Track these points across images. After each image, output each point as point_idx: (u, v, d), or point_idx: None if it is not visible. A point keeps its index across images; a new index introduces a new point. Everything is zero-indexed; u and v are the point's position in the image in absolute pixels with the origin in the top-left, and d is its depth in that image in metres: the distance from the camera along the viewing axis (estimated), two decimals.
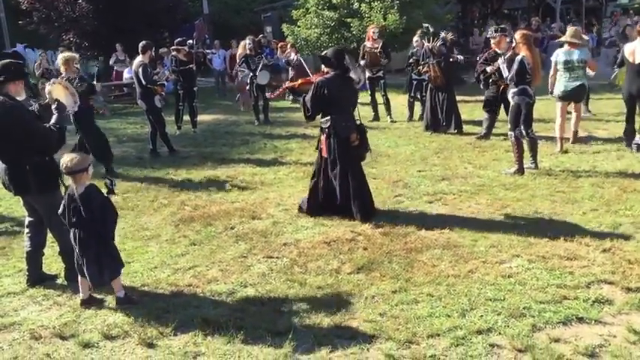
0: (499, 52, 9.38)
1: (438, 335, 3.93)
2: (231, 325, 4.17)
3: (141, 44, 9.94)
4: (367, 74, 12.00)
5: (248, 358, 3.78)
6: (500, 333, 3.92)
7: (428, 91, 11.02)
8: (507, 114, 9.97)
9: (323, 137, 6.36)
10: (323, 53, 7.08)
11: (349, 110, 6.38)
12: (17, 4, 21.35)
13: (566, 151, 8.84)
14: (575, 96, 9.26)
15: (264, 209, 6.86)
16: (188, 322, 4.29)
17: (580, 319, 4.04)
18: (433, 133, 10.67)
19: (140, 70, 9.70)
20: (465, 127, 10.87)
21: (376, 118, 12.44)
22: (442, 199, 6.92)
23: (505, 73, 7.85)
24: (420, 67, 11.10)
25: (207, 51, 17.59)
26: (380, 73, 12.29)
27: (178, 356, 3.86)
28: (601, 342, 3.75)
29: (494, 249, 5.33)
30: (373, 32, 12.25)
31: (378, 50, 11.96)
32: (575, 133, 9.49)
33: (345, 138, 6.24)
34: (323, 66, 6.53)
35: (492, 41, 9.89)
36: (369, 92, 12.54)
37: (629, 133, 8.82)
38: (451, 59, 10.95)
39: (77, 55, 9.27)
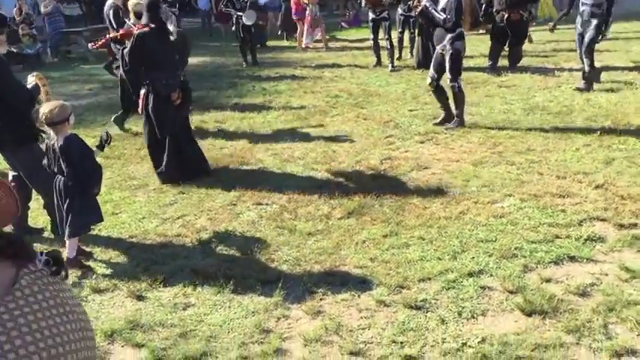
0: None
1: (429, 279, 3.90)
2: (221, 274, 4.13)
3: None
4: (370, 15, 11.15)
5: (238, 308, 3.75)
6: (491, 275, 3.90)
7: (418, 27, 10.70)
8: (511, 45, 9.83)
9: (142, 92, 5.93)
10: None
11: (170, 67, 5.94)
12: None
13: (560, 86, 8.68)
14: None
15: (252, 154, 6.74)
16: (177, 272, 4.25)
17: (572, 258, 4.01)
18: (425, 71, 10.42)
19: (111, 12, 9.25)
20: None
21: (378, 63, 11.39)
22: (434, 138, 6.81)
23: (437, 15, 6.83)
24: (410, 3, 10.71)
25: None
26: (385, 14, 10.94)
27: (168, 308, 3.83)
28: (593, 281, 3.73)
29: (486, 189, 5.26)
30: None
31: None
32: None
33: (166, 96, 5.83)
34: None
35: None
36: (372, 36, 11.31)
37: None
38: None
39: None
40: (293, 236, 4.69)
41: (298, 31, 14.83)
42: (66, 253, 4.37)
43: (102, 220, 4.64)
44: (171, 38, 6.00)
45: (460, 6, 6.86)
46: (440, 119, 7.24)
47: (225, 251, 4.54)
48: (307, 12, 14.05)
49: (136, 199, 5.70)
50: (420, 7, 6.95)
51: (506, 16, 9.54)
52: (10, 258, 1.05)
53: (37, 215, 5.35)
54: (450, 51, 6.84)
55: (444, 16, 6.78)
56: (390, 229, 4.64)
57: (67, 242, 4.41)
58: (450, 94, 7.13)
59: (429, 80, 7.18)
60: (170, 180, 6.00)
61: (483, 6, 9.84)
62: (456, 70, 6.93)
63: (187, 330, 3.56)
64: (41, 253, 1.11)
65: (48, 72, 11.14)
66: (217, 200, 5.53)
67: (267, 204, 5.36)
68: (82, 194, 4.37)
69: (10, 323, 0.95)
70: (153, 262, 4.44)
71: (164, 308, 3.83)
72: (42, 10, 16.95)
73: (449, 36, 6.83)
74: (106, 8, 8.78)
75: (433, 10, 6.88)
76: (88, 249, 4.69)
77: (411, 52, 11.35)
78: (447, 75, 6.96)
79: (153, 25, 5.81)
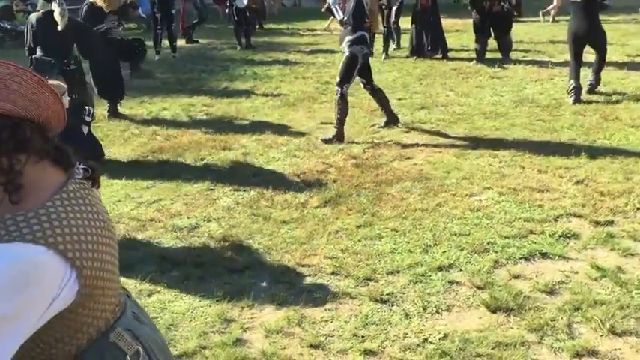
0: None
1: (398, 272, 3.86)
2: (190, 261, 4.09)
3: None
4: None
5: (203, 296, 3.71)
6: (460, 269, 3.85)
7: (412, 16, 10.57)
8: (497, 36, 9.71)
9: None
10: None
11: (59, 53, 6.03)
12: None
13: (552, 78, 8.59)
14: None
15: (236, 140, 6.68)
16: (147, 258, 4.21)
17: (543, 255, 3.96)
18: (418, 59, 10.34)
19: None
20: (452, 53, 10.54)
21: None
22: (419, 128, 6.74)
23: (338, 14, 6.45)
24: None
25: None
26: (384, 1, 10.70)
27: (133, 294, 3.77)
28: (562, 278, 3.69)
29: (466, 181, 5.21)
30: None
31: None
32: None
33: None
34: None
35: None
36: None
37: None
38: None
39: None
40: (267, 224, 4.64)
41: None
42: None
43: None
44: (59, 27, 6.00)
45: (359, 9, 6.18)
46: (384, 122, 6.74)
47: (197, 237, 4.50)
48: None
49: (114, 181, 5.64)
50: None
51: (487, 8, 9.42)
52: (59, 164, 1.30)
53: None
54: (347, 54, 6.27)
55: (342, 16, 6.35)
56: (364, 220, 4.59)
57: None
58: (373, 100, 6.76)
59: (362, 86, 6.67)
60: None
61: None
62: (345, 75, 6.29)
63: None
64: (79, 163, 1.35)
65: None
66: (195, 185, 5.47)
67: (244, 190, 5.31)
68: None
69: (55, 215, 1.20)
70: (123, 247, 4.32)
71: None
72: None
73: (347, 38, 6.26)
74: None
75: (334, 8, 6.46)
76: None
77: (384, 46, 10.92)
78: (337, 77, 6.43)
79: (44, 11, 6.07)
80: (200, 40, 14.17)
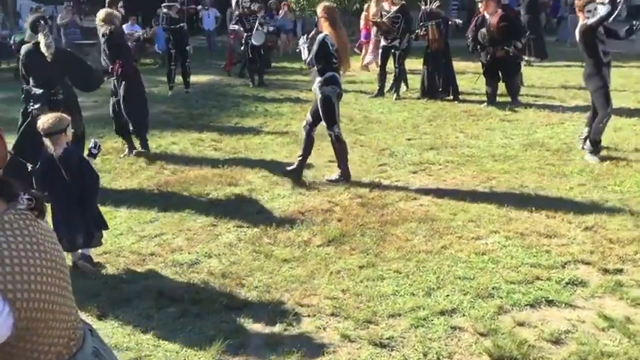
0: (487, 16, 9.07)
1: (400, 315, 3.76)
2: (187, 297, 4.02)
3: (107, 0, 9.45)
4: (382, 42, 10.87)
5: (198, 334, 3.62)
6: (464, 314, 3.74)
7: (424, 56, 10.63)
8: (505, 79, 9.71)
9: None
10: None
11: (48, 83, 6.04)
12: None
13: (563, 122, 8.54)
14: None
15: (242, 175, 6.66)
16: (144, 293, 4.14)
17: (550, 302, 3.85)
18: (429, 100, 10.35)
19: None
20: (462, 95, 10.55)
21: (380, 93, 10.89)
22: (427, 169, 6.69)
23: (304, 55, 6.32)
24: (418, 31, 10.66)
25: (199, 7, 17.16)
26: (396, 42, 10.53)
27: (127, 329, 3.72)
28: (568, 327, 3.57)
29: (473, 224, 5.12)
30: None
31: (394, 15, 10.44)
32: None
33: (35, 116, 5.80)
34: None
35: (479, 5, 9.55)
36: (380, 63, 10.98)
37: None
38: (450, 22, 10.54)
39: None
40: (268, 262, 4.57)
41: (362, 52, 14.58)
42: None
43: (107, 228, 4.68)
44: (48, 58, 6.01)
45: (322, 50, 6.01)
46: (291, 167, 6.40)
47: (197, 273, 4.43)
48: (372, 34, 13.53)
49: (118, 214, 5.61)
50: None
51: (490, 53, 9.44)
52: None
53: None
54: (319, 96, 6.11)
55: (306, 57, 6.23)
56: (367, 260, 4.51)
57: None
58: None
59: (303, 123, 6.46)
60: None
61: (470, 43, 9.73)
62: (329, 118, 6.15)
63: (142, 355, 3.45)
64: (24, 194, 1.31)
65: None
66: (199, 220, 5.43)
67: (247, 227, 5.25)
68: (84, 208, 4.41)
69: None
70: (121, 281, 4.34)
71: (123, 330, 3.72)
72: (58, 21, 17.16)
73: (318, 79, 6.13)
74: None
75: (302, 48, 6.35)
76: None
77: (392, 87, 10.93)
78: (324, 123, 6.25)
79: (33, 42, 6.07)
80: (213, 77, 14.34)
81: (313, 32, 6.25)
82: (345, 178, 6.31)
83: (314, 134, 6.39)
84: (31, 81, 6.16)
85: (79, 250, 4.49)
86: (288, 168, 6.44)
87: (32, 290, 1.21)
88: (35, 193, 1.31)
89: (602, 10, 6.30)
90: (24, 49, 6.27)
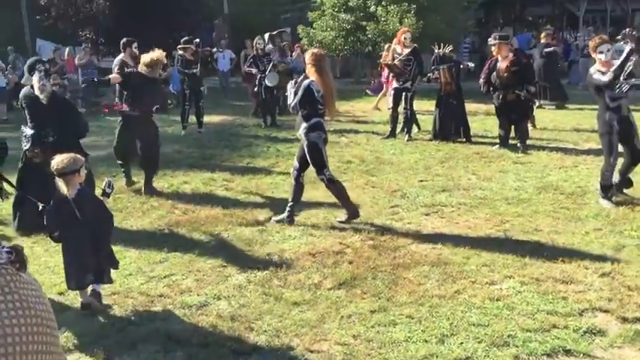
0: (500, 59, 9.12)
1: None
2: (195, 341, 3.95)
3: (122, 41, 9.56)
4: (394, 84, 10.93)
5: None
6: None
7: (437, 98, 10.66)
8: (515, 123, 9.68)
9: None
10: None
11: (43, 125, 6.16)
12: (36, 1, 21.46)
13: (576, 165, 8.48)
14: None
15: (253, 216, 6.62)
16: (151, 336, 4.07)
17: (567, 352, 3.73)
18: (440, 142, 10.34)
19: (116, 69, 9.35)
20: (475, 137, 10.53)
21: (392, 134, 10.93)
22: (439, 211, 6.62)
23: (290, 100, 6.24)
24: (430, 74, 10.71)
25: (214, 50, 17.43)
26: (407, 84, 10.59)
27: None
28: None
29: (486, 268, 5.03)
30: (404, 37, 10.66)
31: (406, 57, 10.49)
32: None
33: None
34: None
35: (493, 49, 9.61)
36: (391, 105, 11.00)
37: None
38: (462, 66, 10.60)
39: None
40: (278, 305, 4.50)
41: (381, 93, 14.67)
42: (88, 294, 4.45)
43: (117, 268, 4.67)
44: (42, 100, 6.10)
45: (306, 96, 5.99)
46: (281, 217, 6.34)
47: (205, 316, 4.36)
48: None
49: (127, 254, 5.58)
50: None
51: (501, 96, 9.45)
52: None
53: None
54: (306, 142, 6.11)
55: (290, 102, 6.19)
56: (379, 305, 4.42)
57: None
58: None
59: (292, 169, 6.47)
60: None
61: (483, 86, 9.76)
62: (319, 163, 6.15)
63: None
64: (2, 247, 1.21)
65: None
66: (208, 261, 5.38)
67: (257, 268, 5.19)
68: (97, 248, 4.39)
69: None
70: (129, 323, 4.28)
71: None
72: (76, 61, 17.50)
73: (303, 125, 6.10)
74: (114, 63, 8.92)
75: (289, 93, 6.22)
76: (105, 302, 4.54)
77: (403, 129, 10.92)
78: (314, 169, 6.26)
79: (30, 84, 6.20)
80: (226, 117, 14.47)
81: (301, 77, 6.18)
82: (352, 215, 6.26)
83: (302, 180, 6.38)
84: (29, 122, 6.23)
85: (90, 287, 4.44)
86: (276, 218, 6.38)
87: (17, 352, 1.13)
88: (16, 246, 1.21)
89: (615, 64, 6.26)
90: (22, 91, 6.38)
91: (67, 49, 18.41)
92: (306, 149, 6.16)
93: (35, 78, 6.09)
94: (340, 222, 6.26)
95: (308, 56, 6.23)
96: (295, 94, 6.07)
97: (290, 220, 6.30)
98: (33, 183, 5.97)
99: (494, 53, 9.61)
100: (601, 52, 6.45)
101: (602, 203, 6.56)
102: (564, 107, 13.76)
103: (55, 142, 6.12)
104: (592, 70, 6.62)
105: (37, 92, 6.07)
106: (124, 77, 7.86)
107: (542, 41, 14.39)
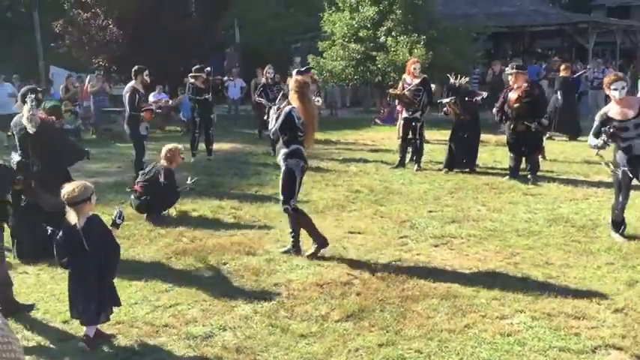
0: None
1: None
2: None
3: (133, 68, 9.64)
4: (404, 114, 10.93)
5: None
6: None
7: (452, 130, 10.60)
8: (525, 154, 9.62)
9: None
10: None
11: (24, 155, 6.22)
12: (51, 27, 21.78)
13: (587, 198, 8.40)
14: None
15: (261, 245, 6.58)
16: None
17: None
18: (449, 172, 10.29)
19: (127, 95, 9.42)
20: (484, 168, 10.49)
21: (401, 164, 10.92)
22: (449, 242, 6.56)
23: (271, 125, 6.20)
24: (445, 109, 10.66)
25: (225, 78, 17.59)
26: (417, 114, 10.59)
27: None
28: None
29: (497, 302, 4.94)
30: (414, 68, 10.63)
31: (416, 87, 10.48)
32: None
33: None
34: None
35: (509, 78, 9.60)
36: (400, 135, 11.04)
37: None
38: (474, 100, 10.56)
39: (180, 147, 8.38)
40: (284, 337, 4.43)
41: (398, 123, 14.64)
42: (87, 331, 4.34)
43: (119, 305, 4.54)
44: (29, 130, 6.08)
45: (286, 123, 5.97)
46: (287, 248, 6.29)
47: (210, 347, 4.30)
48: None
49: (133, 282, 5.53)
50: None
51: (512, 126, 9.43)
52: None
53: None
54: (283, 168, 6.14)
55: (271, 128, 6.17)
56: (387, 338, 4.34)
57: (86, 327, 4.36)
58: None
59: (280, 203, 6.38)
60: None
61: (496, 114, 9.73)
62: (289, 191, 6.12)
63: None
64: None
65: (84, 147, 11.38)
66: (215, 291, 5.32)
67: (264, 299, 5.13)
68: (100, 277, 4.33)
69: None
70: (133, 353, 4.23)
71: None
72: (89, 88, 17.71)
73: (282, 151, 6.11)
74: (124, 90, 9.01)
75: (271, 118, 6.17)
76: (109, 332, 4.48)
77: (412, 158, 10.96)
78: (280, 196, 6.27)
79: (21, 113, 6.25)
80: (235, 145, 14.52)
81: (284, 103, 6.20)
82: (321, 245, 6.18)
83: (297, 209, 6.29)
84: (18, 150, 6.30)
85: (84, 330, 4.37)
86: (283, 249, 6.34)
87: None
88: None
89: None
90: (14, 118, 6.42)
91: (89, 76, 18.65)
92: (281, 174, 6.19)
93: (25, 107, 6.10)
94: (309, 257, 6.11)
95: (291, 83, 6.23)
96: (276, 119, 6.05)
97: (296, 250, 6.25)
98: (26, 210, 6.02)
99: (510, 83, 9.60)
100: (615, 90, 6.28)
101: (613, 237, 6.48)
102: (576, 139, 13.70)
103: (38, 171, 6.13)
104: (604, 110, 6.51)
105: (24, 121, 6.08)
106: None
107: (562, 74, 14.40)
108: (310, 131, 6.13)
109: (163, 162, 7.91)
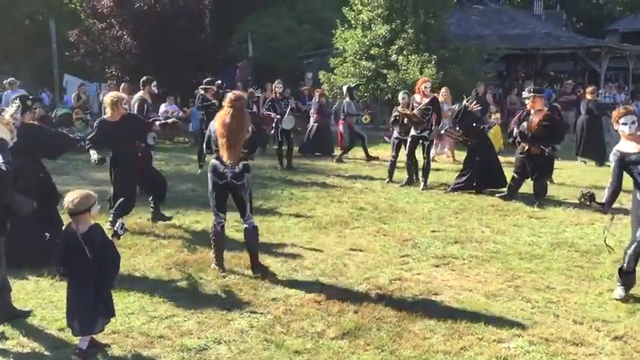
0: (533, 112, 9.14)
1: None
2: None
3: (142, 79, 9.70)
4: (411, 132, 10.83)
5: None
6: None
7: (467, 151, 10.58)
8: (534, 178, 9.57)
9: None
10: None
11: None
12: (67, 36, 22.05)
13: (593, 223, 8.33)
14: None
15: (262, 259, 6.54)
16: None
17: None
18: (455, 192, 10.25)
19: (136, 105, 9.49)
20: (490, 190, 10.43)
21: (410, 182, 10.96)
22: (450, 263, 6.51)
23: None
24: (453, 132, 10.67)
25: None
26: (425, 133, 10.61)
27: None
28: None
29: (495, 325, 4.89)
30: (424, 87, 10.68)
31: (425, 107, 10.46)
32: None
33: None
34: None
35: (527, 101, 9.58)
36: (407, 153, 10.97)
37: None
38: (483, 127, 10.54)
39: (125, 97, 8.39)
40: (279, 352, 4.41)
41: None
42: (79, 343, 4.31)
43: (114, 315, 4.52)
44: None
45: (207, 136, 6.21)
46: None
47: None
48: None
49: (132, 292, 5.53)
50: None
51: (526, 148, 9.39)
52: None
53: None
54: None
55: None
56: (382, 358, 4.32)
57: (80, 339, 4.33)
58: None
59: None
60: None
61: (513, 134, 9.68)
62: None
63: None
64: None
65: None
66: (212, 303, 5.31)
67: (261, 313, 5.12)
68: (98, 287, 4.32)
69: None
70: None
71: None
72: (101, 97, 17.88)
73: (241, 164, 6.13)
74: (133, 100, 9.07)
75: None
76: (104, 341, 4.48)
77: (411, 175, 11.00)
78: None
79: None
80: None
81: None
82: (221, 266, 6.20)
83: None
84: None
85: (78, 341, 4.36)
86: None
87: None
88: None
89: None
90: None
91: (102, 86, 18.87)
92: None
93: (9, 111, 5.97)
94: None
95: (227, 98, 6.09)
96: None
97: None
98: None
99: (527, 106, 9.56)
100: (624, 124, 5.67)
101: (615, 293, 5.61)
102: (603, 164, 13.47)
103: (16, 176, 6.09)
104: (616, 148, 5.83)
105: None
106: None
107: (589, 97, 14.35)
108: (220, 146, 5.96)
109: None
